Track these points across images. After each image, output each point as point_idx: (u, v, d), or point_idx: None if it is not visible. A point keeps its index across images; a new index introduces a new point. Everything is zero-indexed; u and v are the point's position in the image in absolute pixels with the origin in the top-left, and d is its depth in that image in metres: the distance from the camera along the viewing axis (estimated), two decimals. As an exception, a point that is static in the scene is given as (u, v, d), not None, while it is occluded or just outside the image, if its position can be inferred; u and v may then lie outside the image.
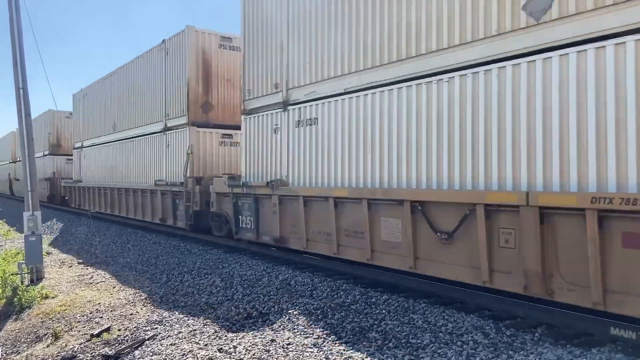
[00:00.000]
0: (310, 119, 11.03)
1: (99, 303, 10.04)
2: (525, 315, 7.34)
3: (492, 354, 6.22)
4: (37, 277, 12.46)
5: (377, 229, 9.33)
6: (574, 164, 6.46)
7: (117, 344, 7.85)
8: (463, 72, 7.84)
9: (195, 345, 7.25)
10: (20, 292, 11.23)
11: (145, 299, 10.21)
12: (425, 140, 8.46)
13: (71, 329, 8.92)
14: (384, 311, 8.11)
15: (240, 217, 13.43)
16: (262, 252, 13.22)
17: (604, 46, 6.14)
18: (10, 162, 49.05)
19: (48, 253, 16.03)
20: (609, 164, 6.08)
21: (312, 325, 7.77)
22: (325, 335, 7.31)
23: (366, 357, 6.32)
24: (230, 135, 17.21)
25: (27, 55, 13.29)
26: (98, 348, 7.82)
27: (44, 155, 35.64)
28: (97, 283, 11.99)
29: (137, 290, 10.89)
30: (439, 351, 6.40)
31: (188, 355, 6.85)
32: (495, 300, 7.90)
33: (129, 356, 7.32)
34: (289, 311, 8.52)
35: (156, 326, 8.35)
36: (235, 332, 7.70)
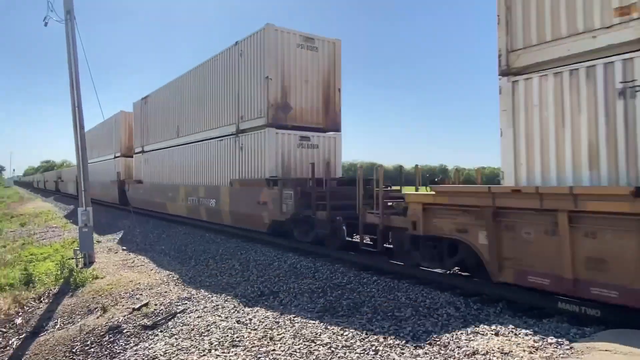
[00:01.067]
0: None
1: (139, 283, 10.13)
2: (490, 293, 7.40)
3: (462, 324, 6.31)
4: (89, 261, 12.58)
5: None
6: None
7: (154, 316, 7.95)
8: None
9: (217, 317, 7.35)
10: (75, 274, 11.34)
11: (177, 279, 10.31)
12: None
13: (116, 303, 9.03)
14: (373, 290, 8.18)
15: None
16: (274, 241, 13.17)
17: None
18: (117, 157, 29.39)
19: (98, 241, 16.16)
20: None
21: (315, 302, 7.85)
22: (324, 310, 7.39)
23: (359, 327, 6.39)
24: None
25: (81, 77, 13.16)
26: (138, 319, 7.92)
27: (238, 133, 14.68)
28: (138, 266, 12.12)
29: (171, 272, 10.98)
30: (418, 322, 6.48)
31: (212, 326, 6.95)
32: (465, 280, 7.98)
33: (164, 326, 7.41)
34: (296, 290, 8.61)
35: (186, 302, 8.44)
36: (251, 307, 7.77)
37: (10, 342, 8.84)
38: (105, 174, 31.62)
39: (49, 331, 8.80)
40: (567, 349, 5.18)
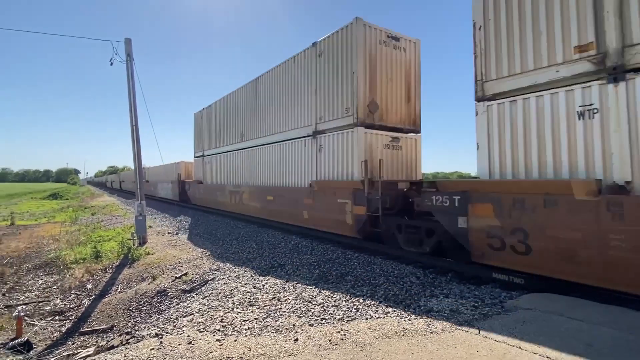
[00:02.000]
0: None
1: (180, 258, 10.06)
2: (442, 266, 7.38)
3: (421, 288, 6.29)
4: (142, 242, 12.51)
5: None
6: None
7: (191, 283, 7.90)
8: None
9: (239, 284, 7.28)
10: (132, 251, 11.30)
11: (209, 255, 10.21)
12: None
13: (163, 273, 8.96)
14: (355, 263, 8.14)
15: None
16: (281, 227, 13.09)
17: None
18: (284, 140, 11.89)
19: (150, 227, 16.05)
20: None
21: (312, 272, 7.82)
22: (319, 278, 7.36)
23: (345, 292, 6.37)
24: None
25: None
26: (179, 285, 7.87)
27: None
28: (179, 245, 12.01)
29: (204, 250, 10.88)
30: (389, 288, 6.46)
31: (234, 290, 6.88)
32: (423, 256, 7.93)
33: (198, 290, 7.35)
34: (297, 263, 8.56)
35: (215, 272, 8.37)
36: (264, 276, 7.71)
37: (82, 302, 8.73)
38: (281, 166, 12.62)
39: (112, 294, 8.70)
40: (500, 308, 5.16)
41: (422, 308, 5.36)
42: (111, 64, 13.00)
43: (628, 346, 3.81)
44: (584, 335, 4.08)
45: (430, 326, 4.65)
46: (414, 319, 4.97)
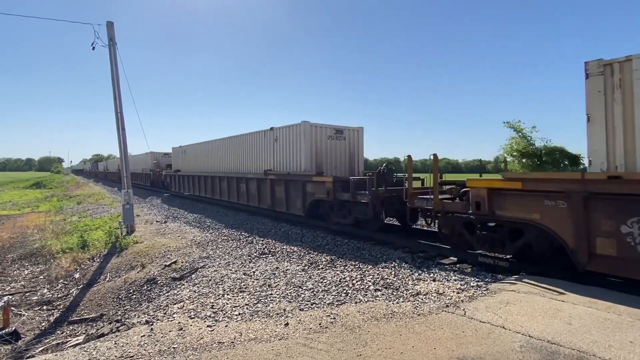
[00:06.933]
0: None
1: (170, 246, 9.99)
2: (429, 250, 7.52)
3: (409, 273, 6.40)
4: (130, 231, 12.38)
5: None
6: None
7: (180, 271, 7.86)
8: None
9: (229, 271, 7.28)
10: (120, 240, 11.18)
11: (198, 243, 10.16)
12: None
13: (152, 261, 8.90)
14: (345, 249, 8.23)
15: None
16: (271, 215, 13.07)
17: None
18: None
19: (137, 215, 15.83)
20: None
21: (301, 258, 7.87)
22: (309, 264, 7.42)
23: (334, 277, 6.43)
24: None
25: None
26: (169, 273, 7.83)
27: None
28: (168, 234, 11.91)
29: (193, 238, 10.81)
30: (377, 272, 6.55)
31: (225, 277, 6.88)
32: (412, 242, 8.07)
33: (188, 278, 7.32)
34: (287, 250, 8.60)
35: (205, 260, 8.34)
36: (254, 263, 7.71)
37: (70, 291, 8.65)
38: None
39: (100, 283, 8.63)
40: (485, 290, 5.30)
41: (409, 291, 5.46)
42: (93, 48, 12.59)
43: (606, 325, 3.98)
44: (564, 314, 4.24)
45: (418, 309, 4.75)
46: (402, 302, 5.07)
